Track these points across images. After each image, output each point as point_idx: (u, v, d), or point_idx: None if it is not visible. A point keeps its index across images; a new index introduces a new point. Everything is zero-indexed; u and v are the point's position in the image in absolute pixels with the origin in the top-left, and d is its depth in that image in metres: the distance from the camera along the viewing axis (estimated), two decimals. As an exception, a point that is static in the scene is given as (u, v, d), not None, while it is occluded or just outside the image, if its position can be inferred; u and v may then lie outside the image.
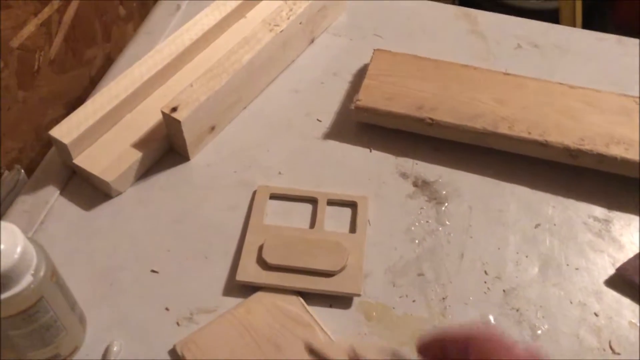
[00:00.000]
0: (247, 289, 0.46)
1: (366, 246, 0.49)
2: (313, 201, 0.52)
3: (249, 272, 0.46)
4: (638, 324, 0.45)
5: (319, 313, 0.45)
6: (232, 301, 0.46)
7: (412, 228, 0.51)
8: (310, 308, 0.45)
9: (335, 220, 0.51)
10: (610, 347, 0.44)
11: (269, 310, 0.45)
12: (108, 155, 0.52)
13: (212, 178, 0.54)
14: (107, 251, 0.49)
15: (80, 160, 0.51)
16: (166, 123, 0.52)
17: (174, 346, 0.43)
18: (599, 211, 0.52)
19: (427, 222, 0.51)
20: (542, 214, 0.52)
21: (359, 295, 0.46)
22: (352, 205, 0.52)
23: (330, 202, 0.52)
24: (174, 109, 0.51)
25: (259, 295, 0.46)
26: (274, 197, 0.52)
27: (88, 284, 0.47)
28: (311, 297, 0.46)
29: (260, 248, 0.48)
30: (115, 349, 0.43)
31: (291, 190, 0.52)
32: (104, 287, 0.47)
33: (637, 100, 0.56)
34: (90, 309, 0.45)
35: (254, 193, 0.52)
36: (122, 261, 0.48)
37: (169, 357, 0.43)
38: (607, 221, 0.51)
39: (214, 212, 0.51)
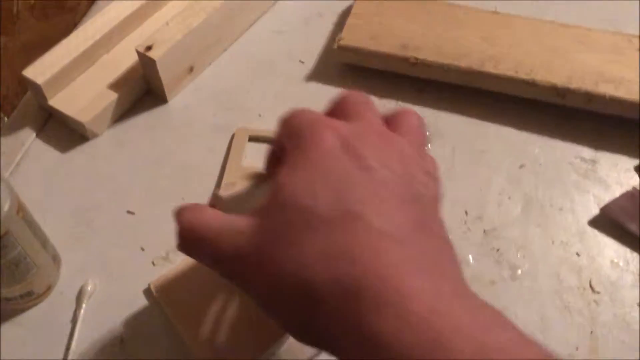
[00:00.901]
0: None
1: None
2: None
3: None
4: (620, 263, 0.45)
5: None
6: None
7: (394, 169, 0.50)
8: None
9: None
10: (590, 286, 0.44)
11: None
12: (84, 96, 0.51)
13: (191, 120, 0.53)
14: (83, 192, 0.48)
15: (56, 101, 0.50)
16: (141, 63, 0.51)
17: (149, 285, 0.42)
18: (585, 152, 0.51)
19: (409, 163, 0.50)
20: (527, 155, 0.51)
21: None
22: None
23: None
24: (149, 48, 0.49)
25: None
26: (252, 139, 0.51)
27: (64, 225, 0.46)
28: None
29: None
30: (89, 288, 0.43)
31: (270, 132, 0.51)
32: (80, 228, 0.46)
33: (631, 38, 0.54)
34: (65, 249, 0.45)
35: (233, 135, 0.51)
36: (98, 202, 0.48)
37: (143, 296, 0.43)
38: (593, 162, 0.50)
39: (192, 155, 0.50)
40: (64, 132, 0.52)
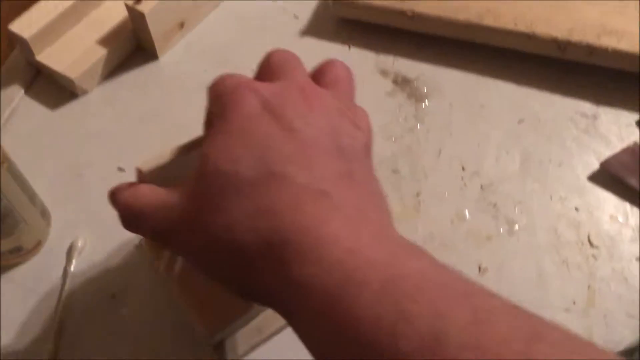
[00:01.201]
0: None
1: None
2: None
3: None
4: (619, 218, 0.44)
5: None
6: None
7: (390, 126, 0.49)
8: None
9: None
10: (589, 241, 0.43)
11: None
12: (72, 52, 0.49)
13: (182, 77, 0.51)
14: (73, 150, 0.47)
15: (44, 57, 0.49)
16: (131, 17, 0.49)
17: (140, 241, 0.42)
18: (586, 107, 0.49)
19: (405, 119, 0.49)
20: (527, 110, 0.49)
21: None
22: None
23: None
24: (138, 1, 0.48)
25: None
26: None
27: (54, 182, 0.45)
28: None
29: None
30: (79, 244, 0.42)
31: None
32: (70, 185, 0.46)
33: (635, -10, 0.52)
34: (56, 206, 0.44)
35: None
36: (89, 159, 0.47)
37: (134, 252, 0.42)
38: (594, 117, 0.49)
39: (183, 111, 0.49)
40: (53, 89, 0.50)
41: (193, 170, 0.27)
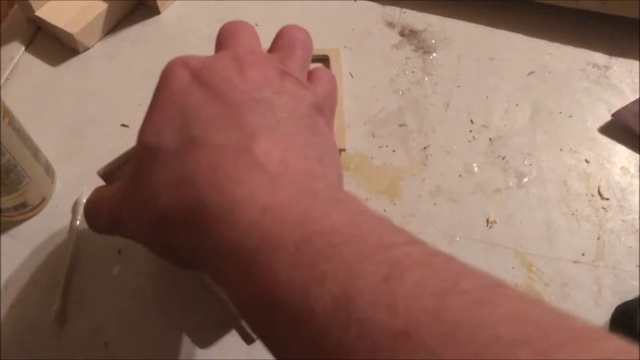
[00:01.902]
0: None
1: (347, 99, 0.46)
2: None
3: None
4: (630, 169, 0.43)
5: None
6: None
7: (397, 79, 0.48)
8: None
9: (313, 73, 0.48)
10: (599, 193, 0.42)
11: None
12: (73, 7, 0.48)
13: (184, 31, 0.51)
14: (75, 106, 0.47)
15: (43, 12, 0.48)
16: (131, -30, 0.48)
17: None
18: (598, 57, 0.48)
19: (412, 72, 0.48)
20: (537, 62, 0.48)
21: (344, 150, 0.44)
22: (324, 59, 0.48)
23: (304, 57, 0.49)
24: (137, -47, 0.47)
25: None
26: None
27: (57, 140, 0.45)
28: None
29: None
30: (84, 199, 0.42)
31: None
32: (74, 142, 0.45)
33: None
34: (60, 163, 0.44)
35: None
36: (92, 116, 0.46)
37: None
38: (606, 67, 0.48)
39: (187, 66, 0.49)
40: (54, 46, 0.50)
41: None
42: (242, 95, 0.26)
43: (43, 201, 0.42)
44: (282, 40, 0.31)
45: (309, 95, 0.28)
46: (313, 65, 0.48)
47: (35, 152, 0.40)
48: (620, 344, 0.17)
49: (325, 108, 0.29)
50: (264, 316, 0.21)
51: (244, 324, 0.37)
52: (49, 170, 0.42)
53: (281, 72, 0.28)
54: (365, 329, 0.18)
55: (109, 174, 0.34)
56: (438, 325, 0.17)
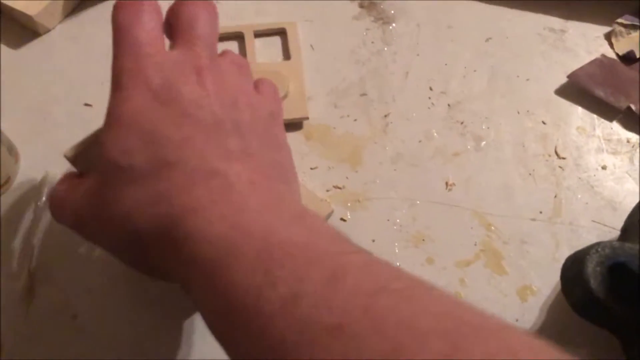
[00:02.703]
0: None
1: (308, 71, 0.47)
2: (239, 37, 0.49)
3: None
4: (586, 129, 0.44)
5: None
6: None
7: (357, 50, 0.48)
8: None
9: (267, 52, 0.48)
10: (556, 153, 0.43)
11: None
12: (31, -11, 0.48)
13: (146, 10, 0.51)
14: (38, 88, 0.47)
15: (1, -5, 0.48)
16: (88, -51, 0.48)
17: None
18: (554, 22, 0.49)
19: (372, 43, 0.49)
20: (495, 28, 0.49)
21: (307, 118, 0.44)
22: (281, 32, 0.49)
23: (258, 34, 0.49)
24: None
25: None
26: None
27: (20, 120, 0.45)
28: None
29: None
30: (49, 178, 0.42)
31: (228, 28, 0.49)
32: (37, 123, 0.45)
33: None
34: (24, 144, 0.44)
35: None
36: (54, 97, 0.46)
37: (105, 185, 0.42)
38: (562, 31, 0.49)
39: (148, 44, 0.49)
40: (14, 29, 0.49)
41: (95, 158, 0.29)
42: (208, 116, 0.27)
43: (8, 181, 0.42)
44: (182, 22, 0.30)
45: (266, 104, 0.30)
46: (270, 40, 0.49)
47: (-4, 132, 0.40)
48: (525, 337, 0.20)
49: (277, 114, 0.31)
50: (222, 319, 0.23)
51: None
52: (11, 150, 0.42)
53: (239, 87, 0.29)
54: (306, 325, 0.20)
55: (76, 155, 0.34)
56: (367, 320, 0.19)
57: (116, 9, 0.30)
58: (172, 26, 0.30)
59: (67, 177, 0.32)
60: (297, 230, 0.24)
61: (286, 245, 0.23)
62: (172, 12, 0.30)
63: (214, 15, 0.31)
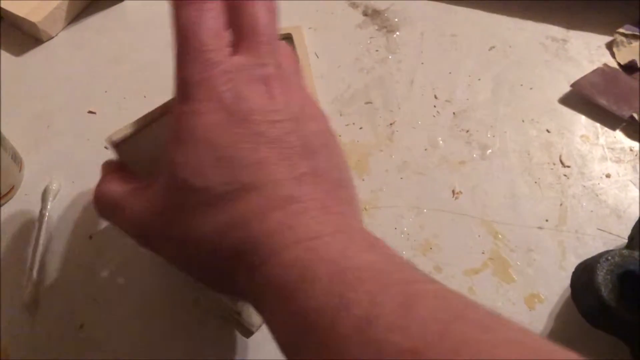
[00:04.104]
0: None
1: (313, 79, 0.47)
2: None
3: None
4: (590, 137, 0.44)
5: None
6: None
7: (361, 58, 0.48)
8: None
9: (280, 55, 0.48)
10: (561, 161, 0.44)
11: None
12: (34, -4, 0.48)
13: (148, 17, 0.51)
14: (41, 95, 0.47)
15: (5, 2, 0.48)
16: (92, -44, 0.48)
17: None
18: (556, 31, 0.50)
19: (376, 51, 0.49)
20: (498, 37, 0.49)
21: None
22: (287, 38, 0.49)
23: (267, 39, 0.49)
24: (98, -61, 0.47)
25: None
26: None
27: (23, 129, 0.45)
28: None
29: None
30: (54, 187, 0.42)
31: None
32: (40, 131, 0.45)
33: None
34: (27, 152, 0.43)
35: None
36: (58, 104, 0.46)
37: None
38: (564, 40, 0.49)
39: (151, 52, 0.49)
40: (17, 36, 0.49)
41: (162, 173, 0.27)
42: (280, 133, 0.26)
43: (12, 189, 0.41)
44: (246, 27, 0.28)
45: (325, 117, 0.29)
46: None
47: (1, 140, 0.39)
48: None
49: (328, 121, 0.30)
50: (296, 339, 0.23)
51: (242, 318, 0.37)
52: (16, 158, 0.42)
53: (303, 100, 0.28)
54: (381, 347, 0.20)
55: (123, 143, 0.31)
56: (445, 346, 0.20)
57: (178, 9, 0.27)
58: (233, 26, 0.28)
59: (115, 173, 0.30)
60: (369, 256, 0.24)
61: (359, 270, 0.23)
62: (233, 10, 0.28)
63: (275, 13, 0.29)
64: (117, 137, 0.30)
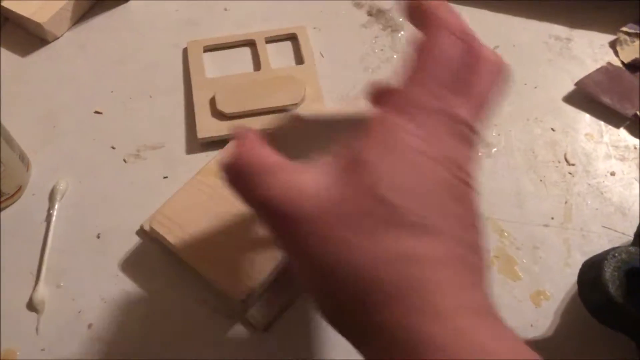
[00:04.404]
0: (210, 145, 0.44)
1: (319, 77, 0.47)
2: (251, 44, 0.49)
3: (209, 127, 0.44)
4: (594, 136, 0.45)
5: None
6: (197, 158, 0.44)
7: (366, 57, 0.49)
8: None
9: (280, 57, 0.49)
10: (565, 159, 0.44)
11: None
12: (39, -3, 0.48)
13: (153, 18, 0.51)
14: (47, 95, 0.47)
15: (10, 2, 0.48)
16: (97, -43, 0.48)
17: (141, 226, 0.40)
18: (560, 30, 0.50)
19: (381, 50, 0.49)
20: (502, 36, 0.50)
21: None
22: (292, 37, 0.49)
23: (269, 40, 0.49)
24: (103, -60, 0.47)
25: (220, 156, 0.41)
26: (208, 49, 0.49)
27: (30, 129, 0.45)
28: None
29: (212, 101, 0.45)
30: (61, 187, 0.42)
31: (224, 39, 0.49)
32: (47, 131, 0.45)
33: None
34: (34, 152, 0.44)
35: (185, 50, 0.49)
36: (64, 104, 0.46)
37: (117, 195, 0.42)
38: (568, 39, 0.49)
39: (157, 52, 0.49)
40: (22, 36, 0.49)
41: (343, 168, 0.24)
42: (471, 200, 0.25)
43: (19, 190, 0.42)
44: (477, 89, 0.26)
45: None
46: (281, 45, 0.49)
47: (9, 140, 0.40)
48: None
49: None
50: None
51: (250, 317, 0.38)
52: (23, 158, 0.42)
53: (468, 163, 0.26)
54: None
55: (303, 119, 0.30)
56: None
57: (435, 37, 0.26)
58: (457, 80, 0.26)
59: (261, 140, 0.27)
60: (504, 345, 0.23)
61: (484, 354, 0.22)
62: (465, 68, 0.26)
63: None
64: (306, 115, 0.29)
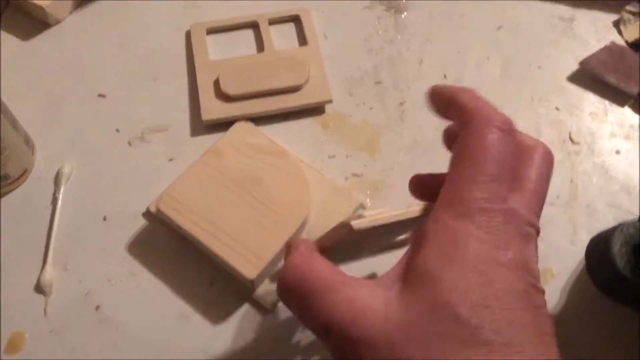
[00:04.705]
0: (215, 127, 0.44)
1: (323, 58, 0.47)
2: (254, 26, 0.49)
3: (213, 109, 0.44)
4: (599, 115, 0.45)
5: (276, 130, 0.44)
6: (202, 140, 0.44)
7: (370, 39, 0.49)
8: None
9: (283, 39, 0.48)
10: (570, 138, 0.44)
11: (239, 150, 0.41)
12: (41, -20, 0.48)
13: (156, 1, 0.50)
14: (51, 79, 0.46)
15: (11, -14, 0.48)
16: (98, -61, 0.48)
17: (147, 208, 0.40)
18: (564, 10, 0.50)
19: (385, 31, 0.49)
20: (506, 16, 0.49)
21: (330, 101, 0.44)
22: (296, 19, 0.49)
23: (272, 22, 0.49)
24: None
25: (225, 138, 0.42)
26: (211, 31, 0.48)
27: (34, 113, 0.45)
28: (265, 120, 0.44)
29: (217, 83, 0.44)
30: (66, 170, 0.42)
31: (227, 21, 0.49)
32: (51, 114, 0.45)
33: None
34: (39, 136, 0.43)
35: (188, 32, 0.49)
36: (68, 88, 0.46)
37: (122, 178, 0.42)
38: (571, 19, 0.49)
39: (160, 34, 0.49)
40: (25, 20, 0.49)
41: (412, 282, 0.23)
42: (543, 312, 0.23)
43: (25, 173, 0.41)
44: (530, 181, 0.25)
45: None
46: (285, 27, 0.49)
47: (14, 123, 0.39)
48: None
49: None
50: None
51: (258, 297, 0.38)
52: (28, 142, 0.42)
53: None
54: None
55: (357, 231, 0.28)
56: None
57: (489, 134, 0.25)
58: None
59: (320, 260, 0.26)
60: None
61: None
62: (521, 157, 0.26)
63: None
64: (359, 225, 0.28)
